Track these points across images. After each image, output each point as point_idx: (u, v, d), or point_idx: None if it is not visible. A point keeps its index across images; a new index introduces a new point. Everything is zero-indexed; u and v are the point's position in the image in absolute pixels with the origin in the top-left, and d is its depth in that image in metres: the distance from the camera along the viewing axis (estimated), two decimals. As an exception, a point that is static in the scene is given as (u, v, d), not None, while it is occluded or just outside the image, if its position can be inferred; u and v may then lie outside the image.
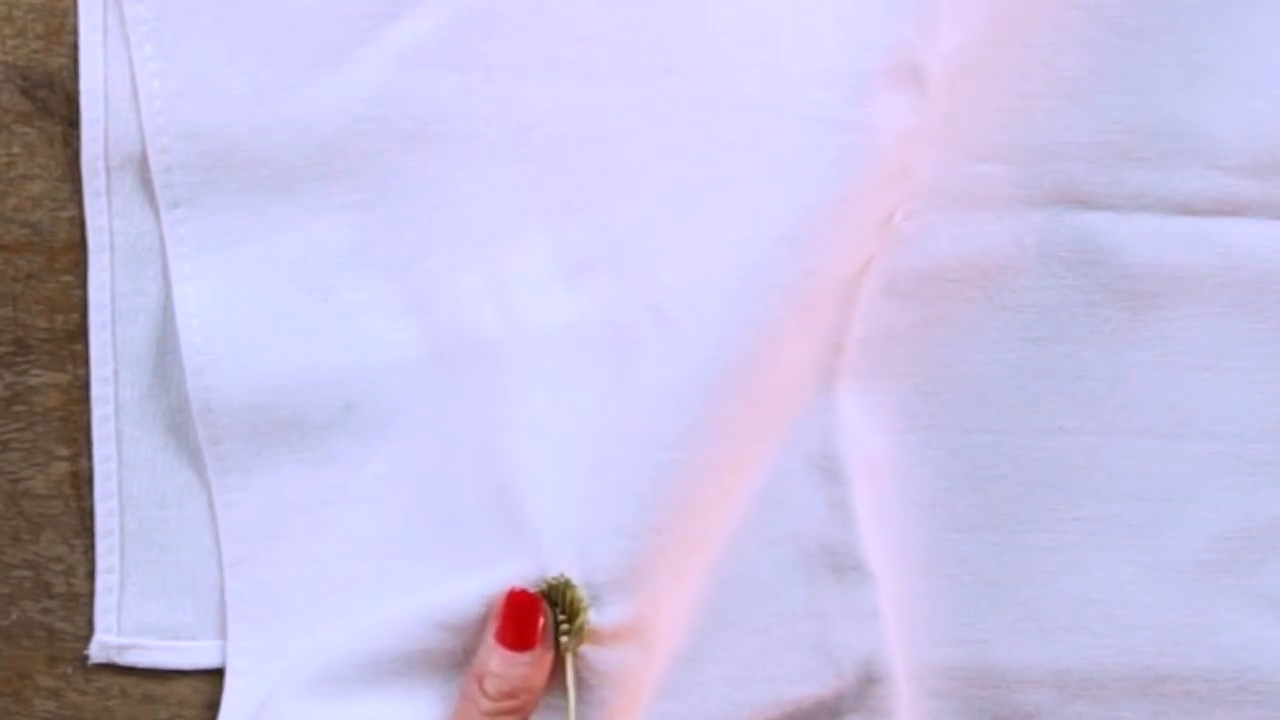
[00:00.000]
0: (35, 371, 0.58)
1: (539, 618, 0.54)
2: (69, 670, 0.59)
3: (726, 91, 0.56)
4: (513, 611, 0.54)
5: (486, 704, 0.53)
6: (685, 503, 0.54)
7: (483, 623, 0.54)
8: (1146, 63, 0.58)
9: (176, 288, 0.57)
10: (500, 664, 0.53)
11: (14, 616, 0.58)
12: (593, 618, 0.54)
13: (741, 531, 0.57)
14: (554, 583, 0.54)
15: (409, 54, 0.57)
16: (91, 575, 0.58)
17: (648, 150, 0.57)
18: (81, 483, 0.58)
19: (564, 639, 0.54)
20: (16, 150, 0.58)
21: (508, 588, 0.54)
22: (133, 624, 0.58)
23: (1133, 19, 0.58)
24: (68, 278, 0.58)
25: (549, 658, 0.54)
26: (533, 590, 0.54)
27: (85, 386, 0.58)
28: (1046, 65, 0.58)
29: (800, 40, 0.55)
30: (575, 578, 0.53)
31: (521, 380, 0.56)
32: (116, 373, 0.58)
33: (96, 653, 0.58)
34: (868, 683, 0.58)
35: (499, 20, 0.57)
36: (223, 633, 0.58)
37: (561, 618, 0.53)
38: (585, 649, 0.54)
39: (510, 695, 0.53)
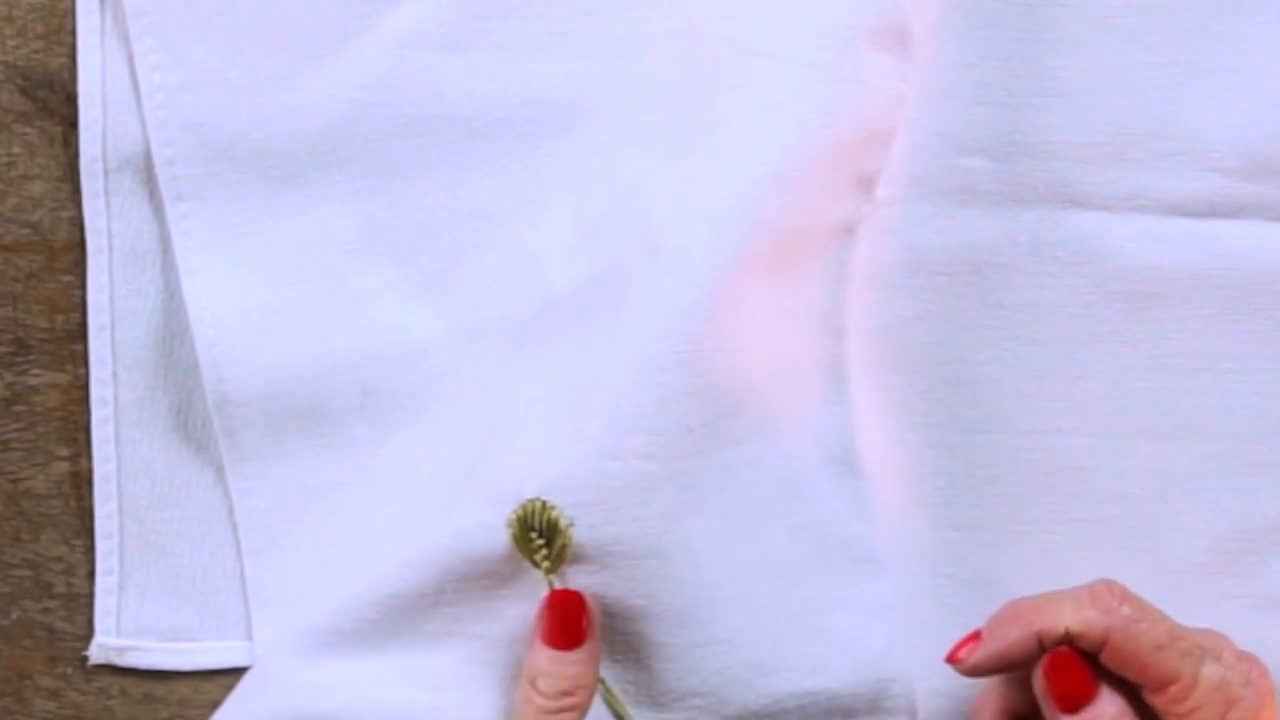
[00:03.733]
0: (35, 371, 0.58)
1: (583, 615, 0.54)
2: (69, 670, 0.59)
3: (723, 41, 0.56)
4: (556, 611, 0.54)
5: (543, 702, 0.53)
6: (673, 432, 0.54)
7: (490, 581, 0.54)
8: (1139, 63, 0.58)
9: (185, 281, 0.58)
10: (550, 663, 0.53)
11: (14, 616, 0.59)
12: (575, 536, 0.53)
13: (765, 516, 0.57)
14: (529, 504, 0.53)
15: (409, 38, 0.58)
16: (91, 575, 0.58)
17: (657, 109, 0.57)
18: (81, 483, 0.58)
19: (544, 562, 0.53)
20: (17, 150, 0.58)
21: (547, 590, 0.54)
22: (132, 625, 0.58)
23: (1125, 19, 0.58)
24: (68, 278, 0.58)
25: (598, 650, 0.54)
26: (510, 515, 0.54)
27: (85, 386, 0.58)
28: (1035, 63, 0.58)
29: None
30: (556, 498, 0.53)
31: (543, 350, 0.56)
32: (116, 375, 0.58)
33: (96, 654, 0.58)
34: (883, 680, 0.58)
35: (500, 1, 0.58)
36: (222, 634, 0.59)
37: (539, 540, 0.53)
38: (567, 570, 0.54)
39: (566, 693, 0.53)
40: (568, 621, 0.53)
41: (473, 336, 0.58)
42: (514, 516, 0.53)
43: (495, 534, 0.54)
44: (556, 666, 0.53)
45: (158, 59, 0.57)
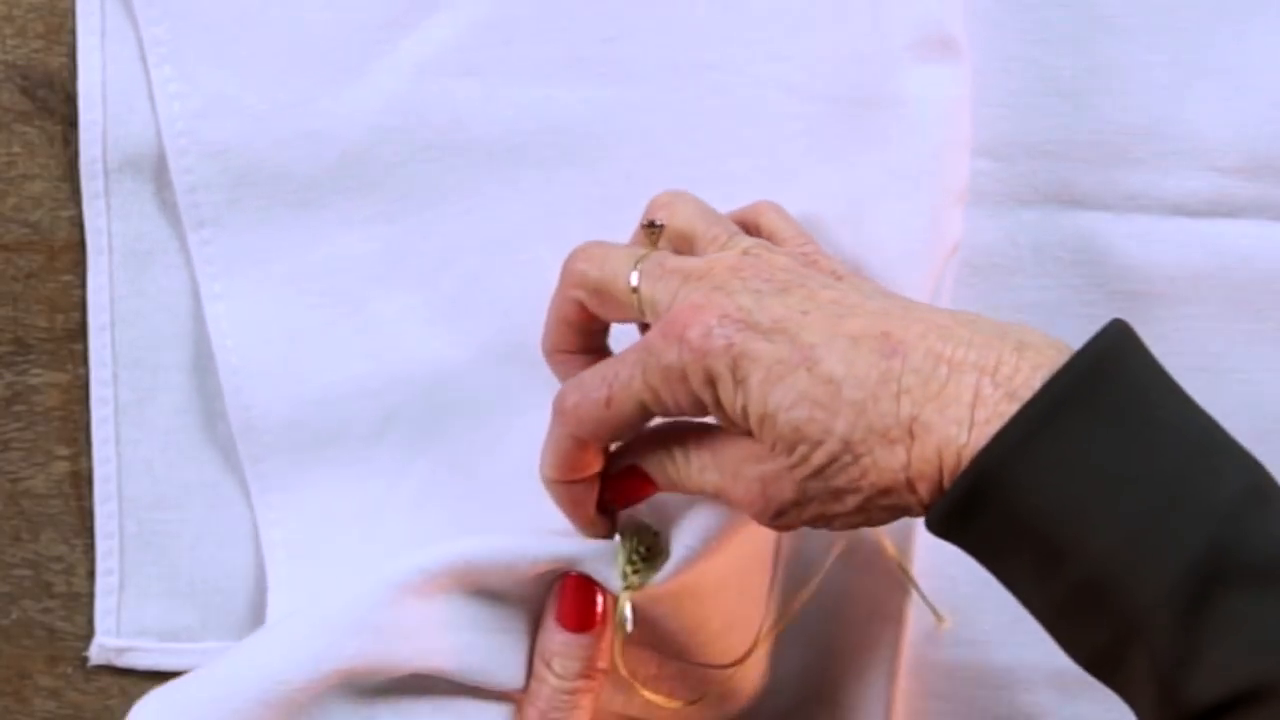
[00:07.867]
0: (35, 371, 0.58)
1: (597, 599, 0.53)
2: (69, 670, 0.59)
3: (772, 83, 0.57)
4: (572, 594, 0.53)
5: (559, 683, 0.52)
6: None
7: (538, 603, 0.53)
8: (1140, 63, 0.59)
9: (208, 307, 0.57)
10: (565, 645, 0.53)
11: (14, 616, 0.59)
12: (663, 568, 0.52)
13: None
14: (640, 526, 0.52)
15: (426, 63, 0.57)
16: (91, 575, 0.58)
17: (696, 144, 0.57)
18: (81, 482, 0.58)
19: (635, 577, 0.52)
20: (16, 150, 0.58)
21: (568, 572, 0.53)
22: (132, 626, 0.58)
23: (1125, 19, 0.58)
24: (68, 277, 0.58)
25: (608, 636, 0.53)
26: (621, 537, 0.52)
27: (85, 386, 0.58)
28: (1036, 64, 0.58)
29: (836, 27, 0.56)
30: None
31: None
32: (116, 375, 0.58)
33: (96, 654, 0.58)
34: None
35: (518, 26, 0.58)
36: (221, 634, 0.58)
37: (637, 559, 0.52)
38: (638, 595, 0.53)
39: (582, 675, 0.53)
40: (584, 604, 0.53)
41: (494, 362, 0.58)
42: (629, 536, 0.53)
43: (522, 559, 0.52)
44: (571, 649, 0.53)
45: (176, 87, 0.57)
